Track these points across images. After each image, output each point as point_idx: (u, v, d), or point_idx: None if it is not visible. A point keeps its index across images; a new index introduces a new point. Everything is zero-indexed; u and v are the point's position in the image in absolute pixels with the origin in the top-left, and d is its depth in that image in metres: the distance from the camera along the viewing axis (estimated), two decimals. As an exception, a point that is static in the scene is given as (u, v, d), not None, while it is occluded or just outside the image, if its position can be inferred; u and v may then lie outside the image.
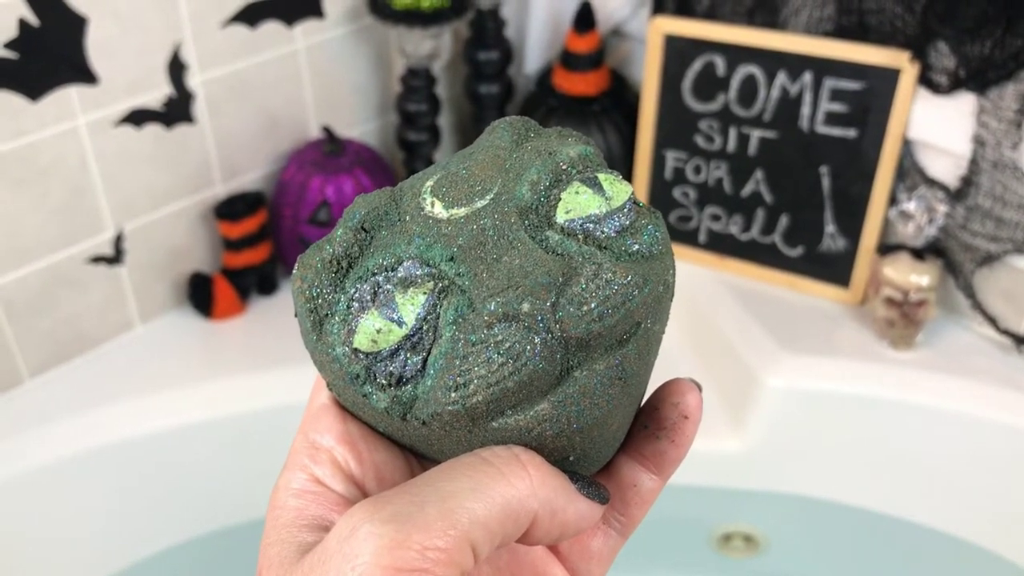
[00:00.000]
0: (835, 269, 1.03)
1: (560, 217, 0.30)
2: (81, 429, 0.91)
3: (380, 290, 0.30)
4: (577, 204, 0.30)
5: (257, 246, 1.03)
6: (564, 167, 0.31)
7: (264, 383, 0.96)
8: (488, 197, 0.31)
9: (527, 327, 0.27)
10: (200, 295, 1.02)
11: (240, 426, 0.94)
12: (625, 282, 0.28)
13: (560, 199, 0.30)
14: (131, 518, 0.94)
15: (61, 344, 0.96)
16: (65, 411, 0.92)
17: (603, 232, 0.30)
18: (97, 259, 0.95)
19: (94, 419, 0.92)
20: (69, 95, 0.88)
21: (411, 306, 0.29)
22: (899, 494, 0.97)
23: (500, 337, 0.28)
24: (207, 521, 0.97)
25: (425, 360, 0.29)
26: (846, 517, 0.98)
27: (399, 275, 0.30)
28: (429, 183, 0.32)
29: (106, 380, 0.96)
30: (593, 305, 0.28)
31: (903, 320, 0.95)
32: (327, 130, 1.05)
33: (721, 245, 1.08)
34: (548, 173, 0.30)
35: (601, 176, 0.30)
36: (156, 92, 0.94)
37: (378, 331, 0.29)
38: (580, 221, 0.30)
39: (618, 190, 0.30)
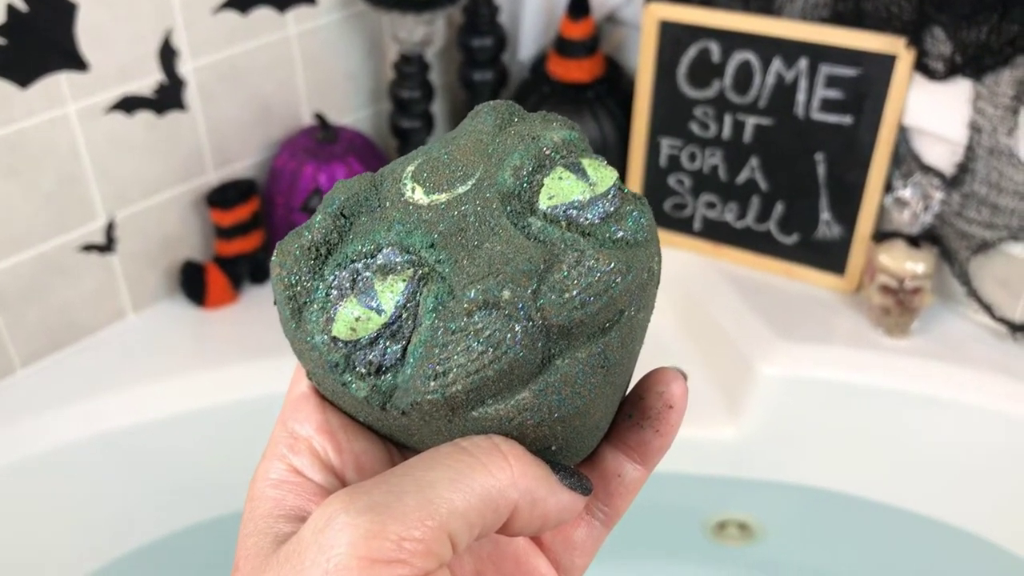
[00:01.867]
0: (830, 256, 1.02)
1: (543, 203, 0.29)
2: (73, 418, 0.90)
3: (359, 277, 0.29)
4: (560, 190, 0.29)
5: (249, 234, 1.02)
6: (547, 152, 0.30)
7: (257, 372, 0.96)
8: (470, 183, 0.30)
9: (508, 315, 0.27)
10: (192, 283, 1.02)
11: (233, 415, 0.94)
12: (608, 269, 0.28)
13: (543, 185, 0.30)
14: (124, 507, 0.93)
15: (53, 333, 0.95)
16: (57, 401, 0.91)
17: (586, 218, 0.29)
18: (89, 247, 0.95)
19: (86, 408, 0.91)
20: (59, 82, 0.87)
21: (390, 294, 0.28)
22: (894, 482, 0.96)
23: (480, 325, 0.27)
24: (200, 510, 0.97)
25: (405, 348, 0.28)
26: (841, 505, 0.98)
27: (378, 262, 0.29)
28: (410, 168, 0.31)
29: (98, 369, 0.95)
30: (575, 292, 0.27)
31: (898, 307, 0.94)
32: (320, 117, 1.04)
33: (716, 233, 1.08)
34: (531, 158, 0.30)
35: (585, 162, 0.30)
36: (147, 79, 0.93)
37: (357, 319, 0.28)
38: (563, 207, 0.29)
39: (602, 176, 0.30)
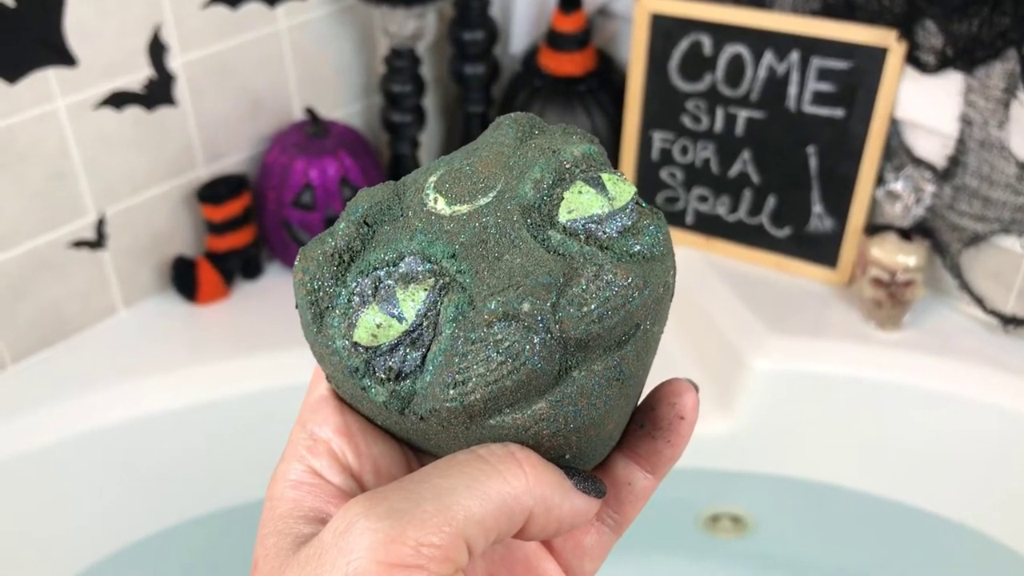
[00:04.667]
0: (822, 250, 1.03)
1: (562, 216, 0.30)
2: (64, 415, 0.90)
3: (381, 285, 0.30)
4: (580, 204, 0.30)
5: (241, 229, 1.02)
6: (568, 166, 0.31)
7: (249, 367, 0.95)
8: (491, 195, 0.31)
9: (527, 327, 0.28)
10: (184, 279, 1.01)
11: (225, 411, 0.94)
12: (626, 284, 0.28)
13: (563, 198, 0.30)
14: (115, 504, 0.93)
15: (43, 329, 0.95)
16: (48, 397, 0.91)
17: (605, 232, 0.30)
18: (79, 244, 0.94)
19: (77, 405, 0.91)
20: (47, 77, 0.86)
21: (412, 302, 0.29)
22: (886, 474, 0.97)
23: (500, 336, 0.28)
24: (192, 506, 0.97)
25: (424, 356, 0.29)
26: (833, 498, 0.98)
27: (400, 271, 0.30)
28: (432, 178, 0.32)
29: (89, 365, 0.95)
30: (593, 306, 0.28)
31: (890, 301, 0.94)
32: (310, 112, 1.04)
33: (708, 226, 1.08)
34: (551, 172, 0.30)
35: (604, 176, 0.30)
36: (136, 74, 0.92)
37: (378, 326, 0.29)
38: (582, 221, 0.30)
39: (621, 190, 0.30)
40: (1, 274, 0.90)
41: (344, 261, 0.30)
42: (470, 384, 0.28)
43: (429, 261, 0.30)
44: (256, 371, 0.95)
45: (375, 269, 0.30)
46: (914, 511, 0.96)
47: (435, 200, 0.31)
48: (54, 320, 0.96)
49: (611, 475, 0.33)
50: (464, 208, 0.30)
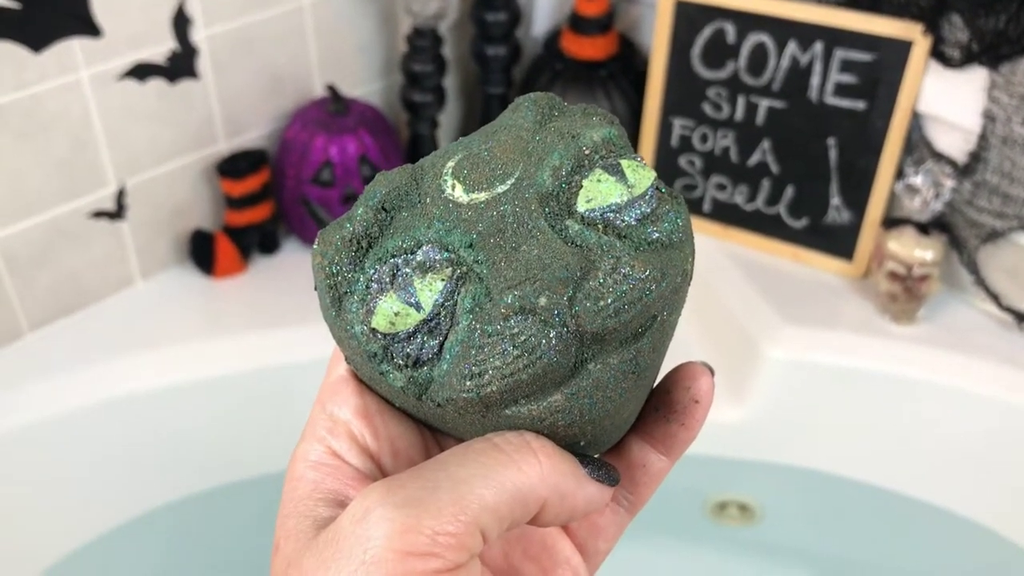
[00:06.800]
0: (839, 241, 1.02)
1: (580, 206, 0.30)
2: (80, 384, 0.91)
3: (399, 273, 0.30)
4: (598, 193, 0.30)
5: (259, 205, 1.02)
6: (587, 152, 0.30)
7: (264, 342, 0.96)
8: (509, 182, 0.30)
9: (543, 321, 0.28)
10: (201, 252, 1.02)
11: (239, 384, 0.94)
12: (643, 277, 0.28)
13: (581, 187, 0.30)
14: (129, 474, 0.94)
15: (61, 298, 0.96)
16: (64, 365, 0.92)
17: (623, 221, 0.29)
18: (99, 214, 0.95)
19: (93, 374, 0.92)
20: (72, 47, 0.87)
21: (429, 292, 0.29)
22: (895, 467, 0.97)
23: (516, 330, 0.28)
24: (204, 478, 0.98)
25: (442, 344, 0.29)
26: (841, 489, 0.99)
27: (418, 259, 0.30)
28: (450, 164, 0.31)
29: (106, 335, 0.95)
30: (610, 300, 0.28)
31: (906, 294, 0.94)
32: (331, 89, 1.04)
33: (726, 215, 1.08)
34: (570, 158, 0.30)
35: (624, 163, 0.30)
36: (160, 46, 0.93)
37: (396, 314, 0.29)
38: (600, 211, 0.29)
39: (641, 177, 0.30)
40: (22, 242, 0.90)
41: (362, 247, 0.30)
42: (486, 376, 0.28)
43: (447, 250, 0.30)
44: (271, 346, 0.95)
45: (392, 256, 0.30)
46: (922, 505, 0.97)
47: (453, 187, 0.31)
48: (72, 289, 0.96)
49: (626, 457, 0.33)
50: (482, 196, 0.30)
